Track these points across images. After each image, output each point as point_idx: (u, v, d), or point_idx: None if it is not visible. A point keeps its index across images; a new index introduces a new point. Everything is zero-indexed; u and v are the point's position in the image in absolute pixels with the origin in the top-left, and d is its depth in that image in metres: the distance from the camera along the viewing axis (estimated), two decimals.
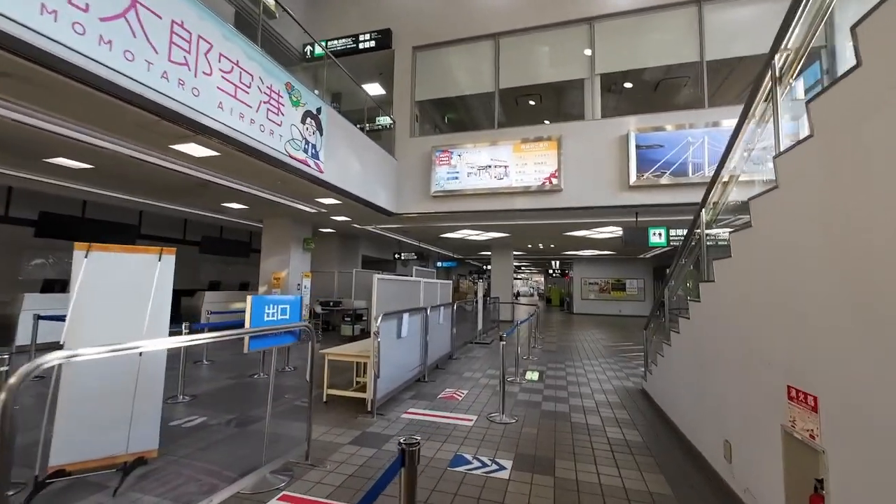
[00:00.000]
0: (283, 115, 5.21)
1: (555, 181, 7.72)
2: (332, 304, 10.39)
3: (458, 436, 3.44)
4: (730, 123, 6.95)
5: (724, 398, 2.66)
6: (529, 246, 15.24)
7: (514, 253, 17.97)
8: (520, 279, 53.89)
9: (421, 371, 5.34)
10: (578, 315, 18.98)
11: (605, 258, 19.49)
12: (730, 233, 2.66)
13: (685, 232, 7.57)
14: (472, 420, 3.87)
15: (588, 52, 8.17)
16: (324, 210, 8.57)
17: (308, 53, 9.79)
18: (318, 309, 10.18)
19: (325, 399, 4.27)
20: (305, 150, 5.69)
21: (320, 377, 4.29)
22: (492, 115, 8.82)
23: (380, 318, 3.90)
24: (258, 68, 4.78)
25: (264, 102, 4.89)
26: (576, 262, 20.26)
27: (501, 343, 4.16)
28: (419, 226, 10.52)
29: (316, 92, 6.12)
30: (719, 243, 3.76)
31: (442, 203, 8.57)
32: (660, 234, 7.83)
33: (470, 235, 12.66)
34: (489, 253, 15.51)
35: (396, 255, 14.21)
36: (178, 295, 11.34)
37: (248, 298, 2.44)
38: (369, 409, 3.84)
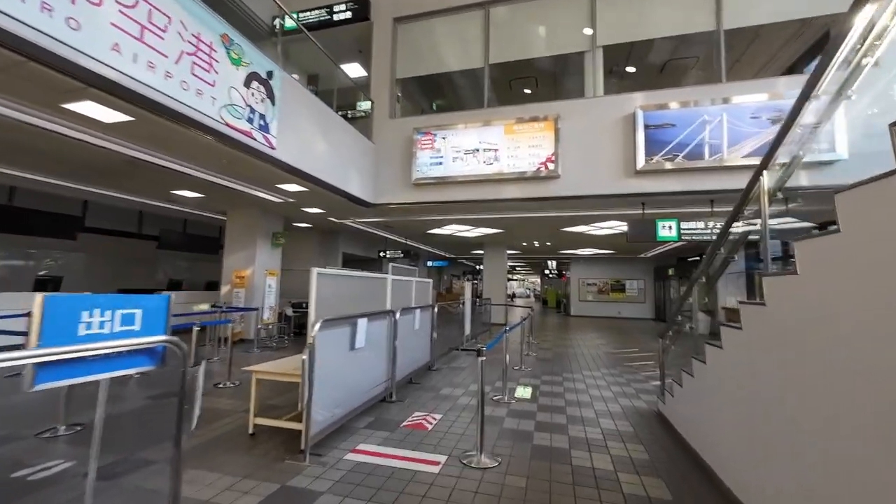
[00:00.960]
0: (216, 73, 4.22)
1: (551, 166, 6.77)
2: (304, 305, 9.36)
3: (415, 493, 2.47)
4: (753, 99, 6.04)
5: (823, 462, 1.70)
6: (524, 244, 14.30)
7: (509, 252, 17.03)
8: (515, 280, 53.04)
9: (387, 388, 4.36)
10: (576, 317, 18.05)
11: (603, 258, 18.60)
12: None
13: (704, 224, 6.65)
14: (439, 463, 2.89)
15: (588, 29, 7.23)
16: (291, 200, 7.58)
17: (277, 27, 8.80)
18: (290, 311, 9.18)
19: (251, 431, 3.28)
20: (250, 120, 4.70)
21: (254, 400, 3.30)
22: (481, 95, 7.86)
23: (317, 326, 2.92)
24: (179, 9, 3.79)
25: (188, 54, 3.90)
26: (573, 261, 19.35)
27: (480, 360, 3.20)
28: (402, 220, 9.54)
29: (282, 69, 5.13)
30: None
31: (424, 192, 7.60)
32: (670, 228, 6.90)
33: (459, 231, 11.71)
34: (483, 252, 14.55)
35: (382, 253, 13.23)
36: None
37: (38, 299, 1.45)
38: (302, 447, 2.85)
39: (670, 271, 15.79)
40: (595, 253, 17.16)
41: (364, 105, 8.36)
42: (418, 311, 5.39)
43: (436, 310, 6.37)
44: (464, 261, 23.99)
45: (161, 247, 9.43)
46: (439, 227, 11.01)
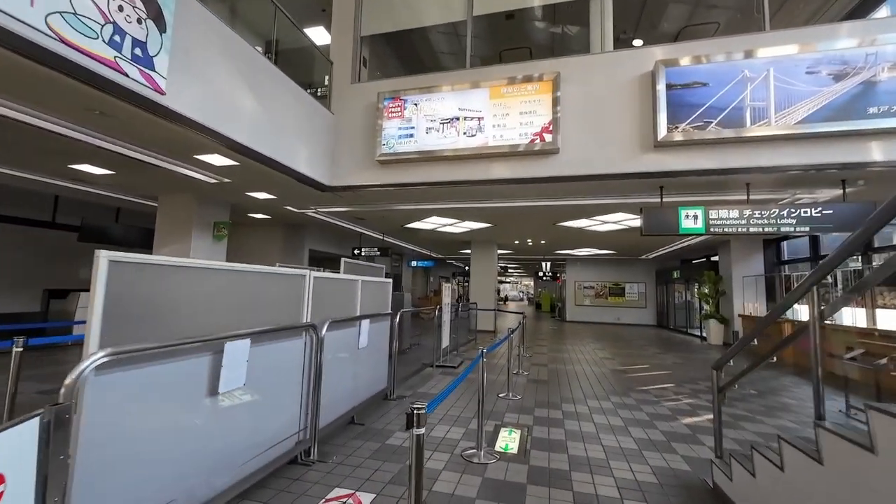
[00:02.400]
0: None
1: (548, 138, 5.37)
2: None
3: None
4: (807, 51, 4.69)
5: None
6: (516, 242, 12.91)
7: (500, 252, 15.63)
8: (508, 283, 51.72)
9: (301, 442, 2.89)
10: (572, 323, 16.69)
11: (602, 259, 17.27)
12: None
13: (739, 213, 5.28)
14: None
15: None
16: (226, 179, 6.09)
17: None
18: None
19: None
20: (115, 45, 3.23)
21: None
22: (463, 60, 6.45)
23: (88, 367, 1.45)
24: None
25: None
26: (569, 262, 18.00)
27: (413, 434, 1.78)
28: (372, 210, 8.09)
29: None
30: None
31: (392, 172, 6.16)
32: (695, 217, 5.53)
33: (443, 227, 10.28)
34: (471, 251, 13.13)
35: (356, 251, 11.75)
36: (47, 296, 8.86)
37: None
38: None
39: (675, 274, 14.49)
40: (593, 253, 15.83)
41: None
42: (365, 322, 3.93)
43: (398, 319, 4.91)
44: (453, 261, 22.57)
45: (82, 239, 7.88)
46: (419, 221, 9.57)
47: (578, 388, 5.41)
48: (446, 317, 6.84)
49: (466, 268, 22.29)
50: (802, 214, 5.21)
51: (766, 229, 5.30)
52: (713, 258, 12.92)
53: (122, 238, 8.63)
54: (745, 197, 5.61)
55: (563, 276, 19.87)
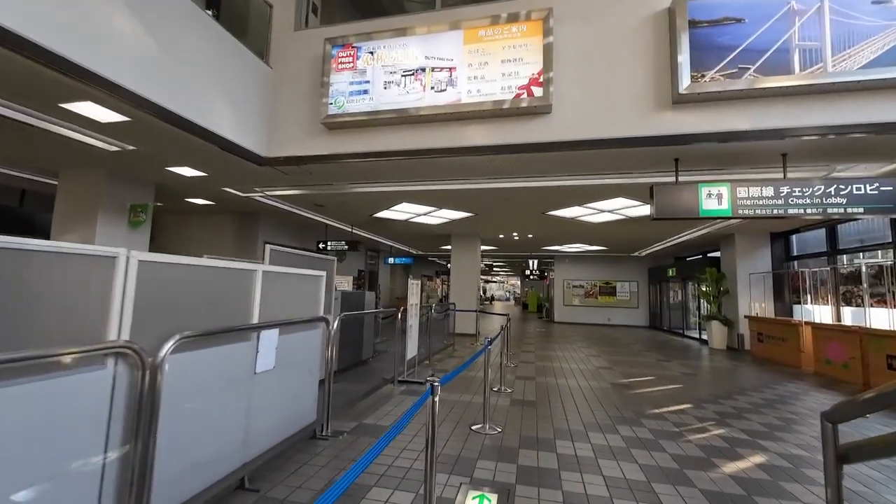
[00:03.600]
0: None
1: (538, 92, 4.20)
2: None
3: None
4: None
5: None
6: (501, 236, 11.75)
7: (484, 248, 14.48)
8: (494, 282, 50.68)
9: None
10: (560, 325, 15.63)
11: (592, 256, 16.27)
12: None
13: (774, 191, 4.19)
14: None
15: None
16: (129, 147, 4.75)
17: None
18: None
19: None
20: None
21: None
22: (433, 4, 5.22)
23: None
24: None
25: None
26: (557, 259, 16.96)
27: None
28: (327, 193, 6.80)
29: None
30: None
31: (342, 139, 4.91)
32: (719, 197, 4.42)
33: (417, 217, 9.04)
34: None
35: (321, 245, 10.42)
36: None
37: None
38: None
39: (671, 272, 13.54)
40: (583, 250, 14.80)
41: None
42: (269, 334, 2.65)
43: (334, 327, 3.64)
44: (436, 258, 21.35)
45: None
46: (387, 209, 8.31)
47: (575, 411, 4.24)
48: (413, 321, 5.61)
49: (449, 265, 21.09)
50: (855, 192, 4.14)
51: (807, 211, 4.22)
52: (711, 254, 11.99)
53: (27, 222, 7.14)
54: (777, 174, 4.53)
55: (550, 275, 18.85)
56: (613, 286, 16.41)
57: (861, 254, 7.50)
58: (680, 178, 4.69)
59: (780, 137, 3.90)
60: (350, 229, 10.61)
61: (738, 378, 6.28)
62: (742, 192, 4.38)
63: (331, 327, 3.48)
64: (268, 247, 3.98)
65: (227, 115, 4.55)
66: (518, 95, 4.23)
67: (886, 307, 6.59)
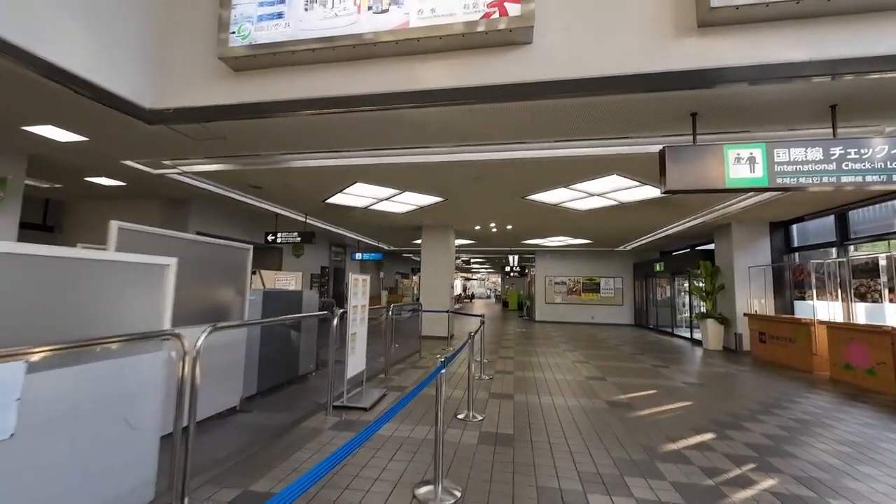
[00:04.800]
0: None
1: (513, 10, 3.02)
2: None
3: None
4: None
5: None
6: (477, 228, 10.61)
7: (460, 242, 13.34)
8: (475, 279, 49.72)
9: None
10: (542, 324, 14.65)
11: (575, 251, 15.35)
12: None
13: (823, 153, 3.12)
14: None
15: None
16: None
17: None
18: None
19: None
20: None
21: None
22: None
23: None
24: None
25: None
26: (539, 255, 15.98)
27: None
28: (254, 167, 5.48)
29: None
30: None
31: (251, 82, 3.62)
32: (751, 161, 3.38)
33: (377, 203, 7.79)
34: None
35: (270, 236, 9.04)
36: None
37: None
38: None
39: (658, 267, 12.71)
40: (566, 243, 13.84)
41: None
42: (13, 371, 1.37)
43: (197, 346, 2.36)
44: (410, 254, 20.07)
45: None
46: (341, 193, 7.02)
47: (566, 451, 3.11)
48: (358, 328, 4.37)
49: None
50: None
51: (867, 178, 3.20)
52: (700, 247, 11.17)
53: None
54: (825, 131, 3.51)
55: (531, 271, 17.88)
56: (597, 282, 15.55)
57: (877, 243, 6.68)
58: (699, 136, 3.61)
59: (836, 73, 2.85)
60: (304, 219, 9.25)
61: (749, 388, 5.31)
62: (781, 154, 3.33)
63: (194, 346, 2.21)
64: (113, 224, 2.68)
65: (83, 44, 3.20)
66: (487, 15, 3.05)
67: None
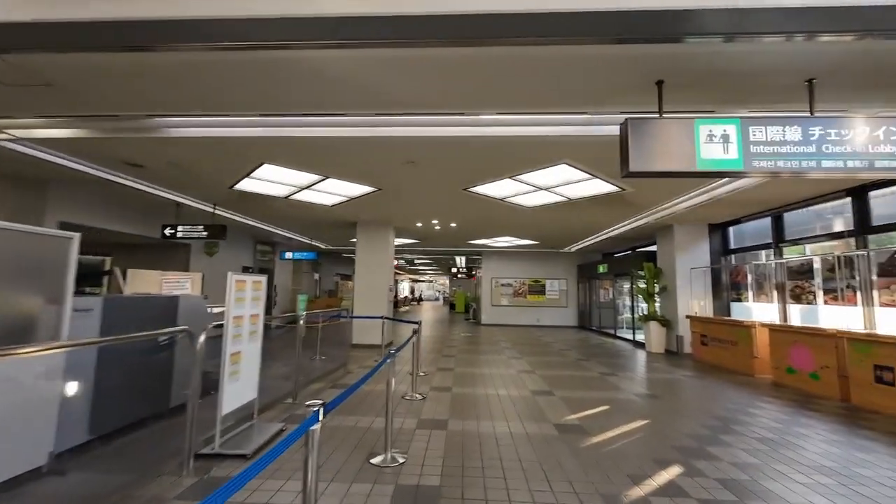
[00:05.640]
0: None
1: None
2: None
3: None
4: None
5: None
6: (419, 225, 9.75)
7: (403, 241, 12.42)
8: (423, 281, 48.84)
9: None
10: (488, 327, 14.12)
11: (522, 252, 15.03)
12: None
13: (802, 133, 2.65)
14: None
15: None
16: None
17: None
18: None
19: None
20: None
21: None
22: None
23: None
24: None
25: None
26: (485, 256, 15.47)
27: None
28: (120, 134, 4.19)
29: None
30: None
31: None
32: (725, 140, 2.84)
33: (299, 192, 6.65)
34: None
35: (168, 230, 7.52)
36: None
37: None
38: None
39: (601, 268, 12.66)
40: (513, 244, 13.42)
41: None
42: None
43: None
44: (352, 254, 18.71)
45: None
46: (248, 177, 5.82)
47: None
48: (245, 346, 3.31)
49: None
50: None
51: (848, 164, 2.78)
52: (642, 248, 11.20)
53: None
54: (802, 110, 3.07)
55: (478, 273, 17.36)
56: (543, 284, 15.33)
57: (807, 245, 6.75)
58: (665, 111, 3.02)
59: (814, 31, 2.35)
60: (212, 210, 7.83)
61: (701, 399, 4.94)
62: (757, 132, 2.82)
63: None
64: None
65: None
66: None
67: (841, 304, 5.76)
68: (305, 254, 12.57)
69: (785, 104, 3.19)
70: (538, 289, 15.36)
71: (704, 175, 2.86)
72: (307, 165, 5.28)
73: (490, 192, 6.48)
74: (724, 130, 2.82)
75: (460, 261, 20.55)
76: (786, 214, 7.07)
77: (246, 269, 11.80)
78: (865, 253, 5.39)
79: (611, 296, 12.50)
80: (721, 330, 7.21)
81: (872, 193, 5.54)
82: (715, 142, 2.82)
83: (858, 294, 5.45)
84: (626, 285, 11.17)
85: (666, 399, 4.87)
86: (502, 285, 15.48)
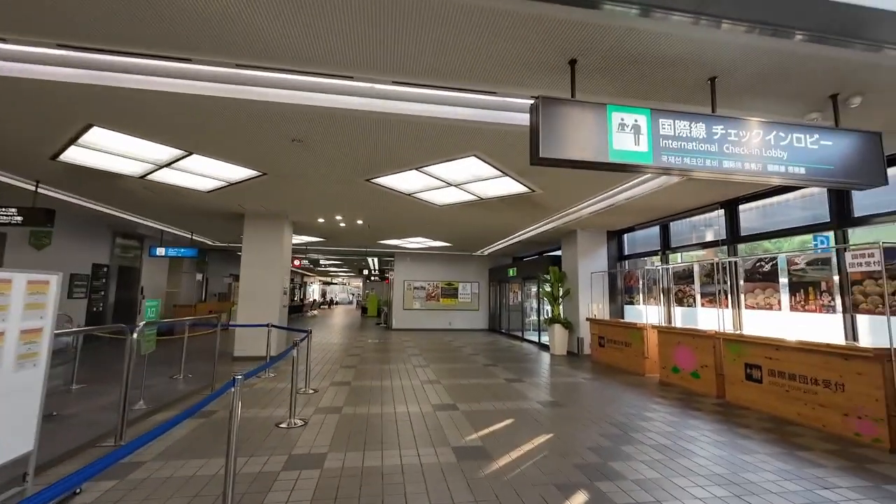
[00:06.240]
0: None
1: None
2: None
3: None
4: None
5: None
6: (321, 221, 8.77)
7: (308, 239, 11.21)
8: (336, 284, 46.34)
9: None
10: (399, 332, 13.48)
11: (434, 254, 14.70)
12: None
13: (706, 131, 2.52)
14: None
15: None
16: None
17: None
18: None
19: None
20: None
21: None
22: None
23: None
24: None
25: None
26: (398, 258, 14.83)
27: None
28: None
29: None
30: None
31: None
32: (636, 131, 2.64)
33: (158, 170, 5.32)
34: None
35: None
36: None
37: None
38: None
39: (511, 272, 12.85)
40: (426, 246, 13.00)
41: None
42: None
43: None
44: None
45: None
46: (77, 144, 4.41)
47: None
48: (6, 377, 2.22)
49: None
50: (796, 144, 2.83)
51: (746, 166, 2.74)
52: (550, 253, 11.59)
53: None
54: (705, 110, 3.01)
55: (390, 276, 16.65)
56: (456, 287, 15.18)
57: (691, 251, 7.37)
58: (579, 96, 2.72)
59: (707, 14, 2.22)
60: (33, 188, 5.99)
61: (599, 403, 4.91)
62: (666, 125, 2.65)
63: None
64: None
65: None
66: None
67: (715, 307, 6.31)
68: (184, 250, 10.61)
69: (689, 104, 3.13)
70: (451, 292, 15.16)
71: (615, 168, 2.60)
72: (155, 133, 4.12)
73: (397, 186, 5.88)
74: (636, 120, 2.60)
75: (373, 262, 19.62)
76: (672, 224, 7.67)
77: (100, 268, 9.54)
78: (735, 260, 5.94)
79: (519, 299, 12.75)
80: (617, 332, 7.54)
81: (742, 207, 6.16)
82: (626, 132, 2.58)
83: (729, 297, 5.99)
84: (534, 289, 11.43)
85: (568, 406, 4.74)
86: (415, 288, 14.97)
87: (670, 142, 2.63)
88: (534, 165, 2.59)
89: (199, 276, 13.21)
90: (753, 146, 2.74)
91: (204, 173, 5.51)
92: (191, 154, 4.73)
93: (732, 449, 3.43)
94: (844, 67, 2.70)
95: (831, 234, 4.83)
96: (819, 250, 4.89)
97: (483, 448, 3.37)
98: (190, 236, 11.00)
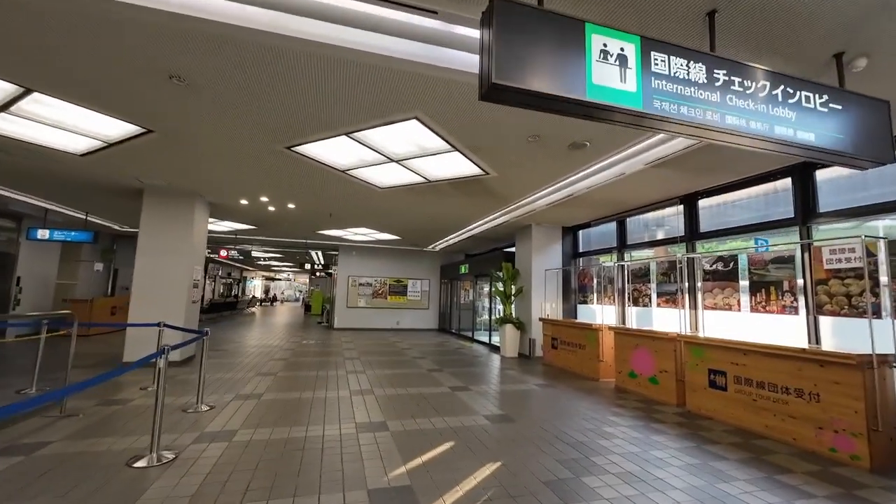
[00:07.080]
0: None
1: None
2: None
3: None
4: None
5: None
6: (244, 202, 7.52)
7: (234, 225, 9.81)
8: (281, 279, 43.47)
9: None
10: (341, 332, 12.34)
11: (382, 248, 13.71)
12: None
13: (707, 74, 1.81)
14: None
15: None
16: None
17: None
18: None
19: None
20: None
21: None
22: None
23: None
24: None
25: None
26: (342, 251, 13.66)
27: None
28: None
29: None
30: None
31: None
32: (621, 60, 1.91)
33: (13, 127, 3.98)
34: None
35: None
36: None
37: None
38: None
39: (463, 268, 12.18)
40: (373, 239, 11.98)
41: None
42: None
43: None
44: None
45: None
46: None
47: None
48: None
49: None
50: (805, 104, 2.29)
51: (751, 125, 2.14)
52: (505, 249, 11.04)
53: None
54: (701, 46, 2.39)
55: (334, 270, 15.41)
56: (405, 284, 14.28)
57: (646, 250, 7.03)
58: (547, 5, 1.98)
59: None
60: None
61: (553, 418, 4.28)
62: (659, 60, 1.97)
63: None
64: None
65: None
66: None
67: (672, 307, 5.97)
68: (75, 233, 8.81)
69: (683, 40, 2.51)
70: (400, 289, 14.23)
71: (594, 109, 1.88)
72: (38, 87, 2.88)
73: (327, 158, 4.91)
74: (622, 49, 1.90)
75: (317, 256, 18.17)
76: (629, 220, 7.32)
77: None
78: (694, 256, 5.60)
79: (471, 297, 12.11)
80: (570, 333, 7.05)
81: (701, 203, 5.85)
82: (610, 62, 1.87)
83: (687, 297, 5.65)
84: (486, 287, 10.83)
85: (519, 421, 4.05)
86: (361, 285, 13.87)
87: (664, 83, 1.96)
88: (484, 101, 1.81)
89: (97, 267, 11.21)
90: (759, 100, 2.16)
91: (67, 126, 4.21)
92: (30, 92, 3.48)
93: (708, 476, 2.88)
94: (852, 12, 2.18)
95: (796, 229, 4.54)
96: (759, 251, 4.62)
97: (409, 489, 2.55)
98: (85, 217, 9.18)
